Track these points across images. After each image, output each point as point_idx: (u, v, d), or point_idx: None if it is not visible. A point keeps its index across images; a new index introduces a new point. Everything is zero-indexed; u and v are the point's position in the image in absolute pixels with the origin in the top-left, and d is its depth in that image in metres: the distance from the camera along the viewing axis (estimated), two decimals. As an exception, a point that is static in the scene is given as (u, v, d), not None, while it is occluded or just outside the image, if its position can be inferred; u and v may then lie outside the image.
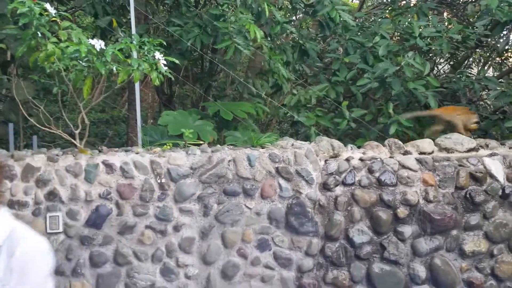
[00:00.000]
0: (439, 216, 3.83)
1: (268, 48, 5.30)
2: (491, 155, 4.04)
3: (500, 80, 6.62)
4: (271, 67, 5.39)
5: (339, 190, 3.85)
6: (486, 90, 6.10)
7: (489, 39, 6.84)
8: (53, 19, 3.62)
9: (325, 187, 3.83)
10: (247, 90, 5.75)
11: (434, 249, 3.87)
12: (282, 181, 3.78)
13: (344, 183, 3.85)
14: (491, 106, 6.18)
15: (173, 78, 4.43)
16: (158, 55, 3.70)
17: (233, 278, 3.74)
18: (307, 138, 5.32)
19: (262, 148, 3.94)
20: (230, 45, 4.90)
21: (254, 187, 3.73)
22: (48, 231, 3.44)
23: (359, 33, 6.03)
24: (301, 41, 5.72)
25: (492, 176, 3.92)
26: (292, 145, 3.99)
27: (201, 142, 4.24)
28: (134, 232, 3.58)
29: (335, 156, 4.03)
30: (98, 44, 3.48)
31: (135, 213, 3.57)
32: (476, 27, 6.06)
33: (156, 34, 5.81)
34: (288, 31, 5.65)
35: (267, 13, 5.04)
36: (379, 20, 6.57)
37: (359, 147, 4.24)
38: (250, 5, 5.11)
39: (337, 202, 3.82)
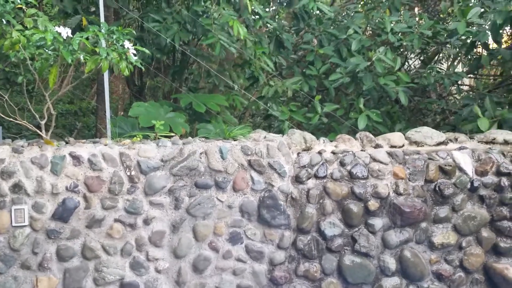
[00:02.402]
0: (409, 209, 3.87)
1: (252, 43, 5.26)
2: (460, 148, 4.09)
3: (470, 75, 6.74)
4: (249, 58, 5.36)
5: (311, 183, 3.84)
6: (456, 85, 6.19)
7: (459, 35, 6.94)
8: (19, 6, 3.50)
9: (297, 180, 3.82)
10: (223, 83, 5.70)
11: (404, 241, 3.91)
12: (254, 174, 3.76)
13: (316, 176, 3.85)
14: (461, 102, 6.27)
15: (143, 69, 4.34)
16: (127, 44, 3.61)
17: (204, 272, 3.70)
18: (280, 132, 5.31)
19: (235, 140, 3.90)
20: (216, 42, 4.86)
21: (226, 180, 3.69)
22: (14, 224, 3.34)
23: (332, 27, 6.04)
24: (277, 32, 5.70)
25: (461, 170, 3.98)
26: (265, 137, 3.96)
27: (173, 135, 4.17)
28: (102, 226, 3.50)
29: (308, 149, 4.02)
30: (65, 32, 3.38)
31: (103, 206, 3.49)
32: (448, 22, 6.14)
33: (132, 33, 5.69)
34: (266, 23, 5.64)
35: (249, 8, 5.00)
36: (352, 14, 6.60)
37: (331, 141, 4.24)
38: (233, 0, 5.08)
39: (309, 195, 3.82)
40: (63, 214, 3.41)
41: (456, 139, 4.32)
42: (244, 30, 4.75)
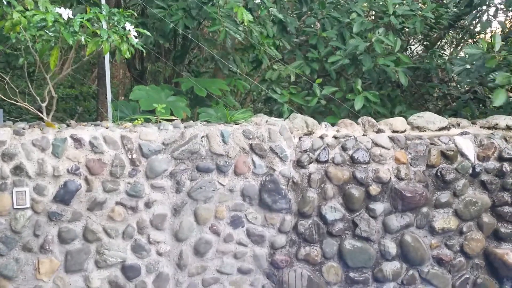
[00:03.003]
0: (410, 194, 3.87)
1: (257, 32, 5.23)
2: (462, 134, 4.08)
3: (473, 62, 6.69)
4: (253, 43, 5.33)
5: (312, 167, 3.84)
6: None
7: (462, 21, 6.90)
8: (19, -14, 3.47)
9: (298, 164, 3.82)
10: (227, 67, 5.67)
11: (405, 226, 3.92)
12: (256, 158, 3.75)
13: (317, 161, 3.84)
14: (463, 87, 6.25)
15: (145, 52, 4.31)
16: (128, 26, 3.58)
17: (206, 255, 3.71)
18: (280, 115, 5.30)
19: (236, 124, 3.89)
20: (222, 30, 4.83)
21: (227, 163, 3.69)
22: (15, 206, 3.34)
23: (335, 10, 6.00)
24: (280, 16, 5.66)
25: (462, 155, 3.97)
26: (266, 121, 3.95)
27: (174, 118, 4.16)
28: (104, 209, 3.50)
29: (309, 133, 4.01)
30: (66, 13, 3.35)
31: (105, 189, 3.49)
32: (448, 7, 6.10)
33: (133, 17, 5.64)
34: (269, 11, 5.60)
35: None
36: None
37: (333, 125, 4.23)
38: None
39: (310, 179, 3.82)
40: (64, 196, 3.41)
41: (459, 125, 4.31)
42: (249, 17, 4.72)
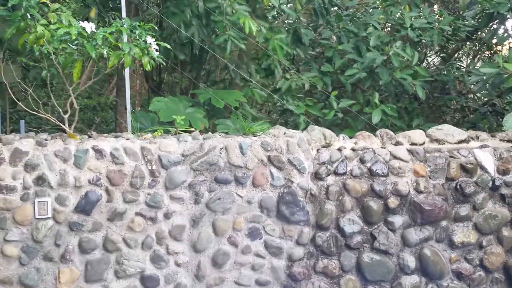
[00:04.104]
0: (429, 207, 3.84)
1: (267, 34, 5.27)
2: (481, 147, 4.06)
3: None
4: (267, 49, 5.37)
5: (330, 179, 3.84)
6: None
7: (479, 32, 6.87)
8: (43, 1, 3.54)
9: (316, 176, 3.82)
10: (240, 76, 5.71)
11: (424, 239, 3.89)
12: (274, 170, 3.76)
13: (335, 173, 3.84)
14: (481, 99, 6.22)
15: (164, 64, 4.37)
16: (149, 39, 3.64)
17: (224, 266, 3.72)
18: (296, 127, 5.32)
19: (254, 136, 3.91)
20: (227, 41, 4.88)
21: (245, 175, 3.70)
22: (37, 216, 3.38)
23: (350, 23, 6.02)
24: (296, 26, 5.70)
25: (482, 168, 3.95)
26: (284, 133, 3.96)
27: (192, 130, 4.19)
28: (124, 219, 3.53)
29: (327, 145, 4.01)
30: (89, 27, 3.41)
31: (125, 200, 3.52)
32: (466, 19, 6.09)
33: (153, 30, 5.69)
34: (283, 13, 5.64)
35: (266, 1, 5.03)
36: (371, 10, 6.56)
37: (350, 137, 4.23)
38: None
39: (328, 191, 3.82)
40: (85, 206, 3.45)
41: (478, 137, 4.29)
42: (255, 26, 4.76)
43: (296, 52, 6.15)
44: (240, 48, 5.08)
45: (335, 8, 5.96)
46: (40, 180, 3.39)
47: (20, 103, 3.88)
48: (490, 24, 6.19)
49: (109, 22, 4.53)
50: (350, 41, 5.67)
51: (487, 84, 5.08)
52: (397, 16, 5.78)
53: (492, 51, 7.48)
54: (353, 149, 3.93)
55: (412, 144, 4.13)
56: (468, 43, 7.34)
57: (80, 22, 3.48)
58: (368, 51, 5.47)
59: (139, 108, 8.35)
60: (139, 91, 8.98)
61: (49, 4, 3.56)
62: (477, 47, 7.71)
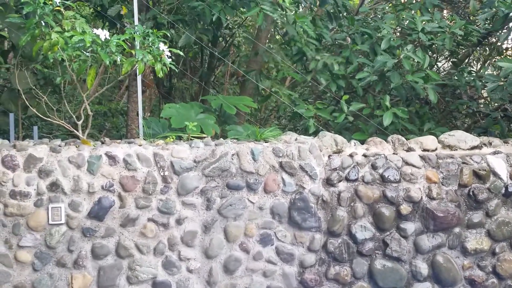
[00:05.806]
0: (442, 214, 3.83)
1: (295, 14, 5.35)
2: (494, 153, 4.03)
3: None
4: (293, 37, 5.44)
5: (342, 185, 3.83)
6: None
7: (490, 38, 6.84)
8: (57, 8, 3.58)
9: (328, 182, 3.82)
10: (251, 84, 5.74)
11: (437, 246, 3.87)
12: (285, 176, 3.76)
13: (347, 179, 3.84)
14: (493, 104, 6.18)
15: (177, 70, 4.39)
16: (162, 46, 3.66)
17: (235, 273, 3.72)
18: (305, 131, 5.32)
19: (266, 142, 3.92)
20: (259, 13, 4.95)
21: (257, 181, 3.71)
22: (50, 222, 3.41)
23: (363, 27, 6.03)
24: (314, 15, 5.73)
25: (495, 174, 3.92)
26: (296, 139, 3.96)
27: (204, 136, 4.21)
28: (136, 225, 3.55)
29: (338, 151, 4.01)
30: (103, 34, 3.44)
31: (137, 206, 3.54)
32: (478, 24, 6.06)
33: (164, 20, 5.72)
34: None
35: None
36: (383, 15, 6.56)
37: (362, 143, 4.23)
38: None
39: (340, 197, 3.81)
40: (98, 212, 3.47)
41: (490, 143, 4.26)
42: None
43: (323, 34, 6.12)
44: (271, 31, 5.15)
45: (345, 13, 5.95)
46: (54, 186, 3.41)
47: (33, 109, 3.91)
48: (505, 26, 6.15)
49: (121, 28, 4.57)
50: (365, 43, 5.67)
51: (505, 80, 4.97)
52: (408, 21, 5.77)
53: (502, 56, 7.44)
54: (364, 155, 3.93)
55: (424, 150, 4.12)
56: (478, 48, 7.31)
57: (94, 29, 3.51)
58: (380, 54, 5.47)
59: (149, 114, 8.39)
60: (149, 97, 9.03)
61: (63, 12, 3.59)
62: (488, 52, 7.68)
